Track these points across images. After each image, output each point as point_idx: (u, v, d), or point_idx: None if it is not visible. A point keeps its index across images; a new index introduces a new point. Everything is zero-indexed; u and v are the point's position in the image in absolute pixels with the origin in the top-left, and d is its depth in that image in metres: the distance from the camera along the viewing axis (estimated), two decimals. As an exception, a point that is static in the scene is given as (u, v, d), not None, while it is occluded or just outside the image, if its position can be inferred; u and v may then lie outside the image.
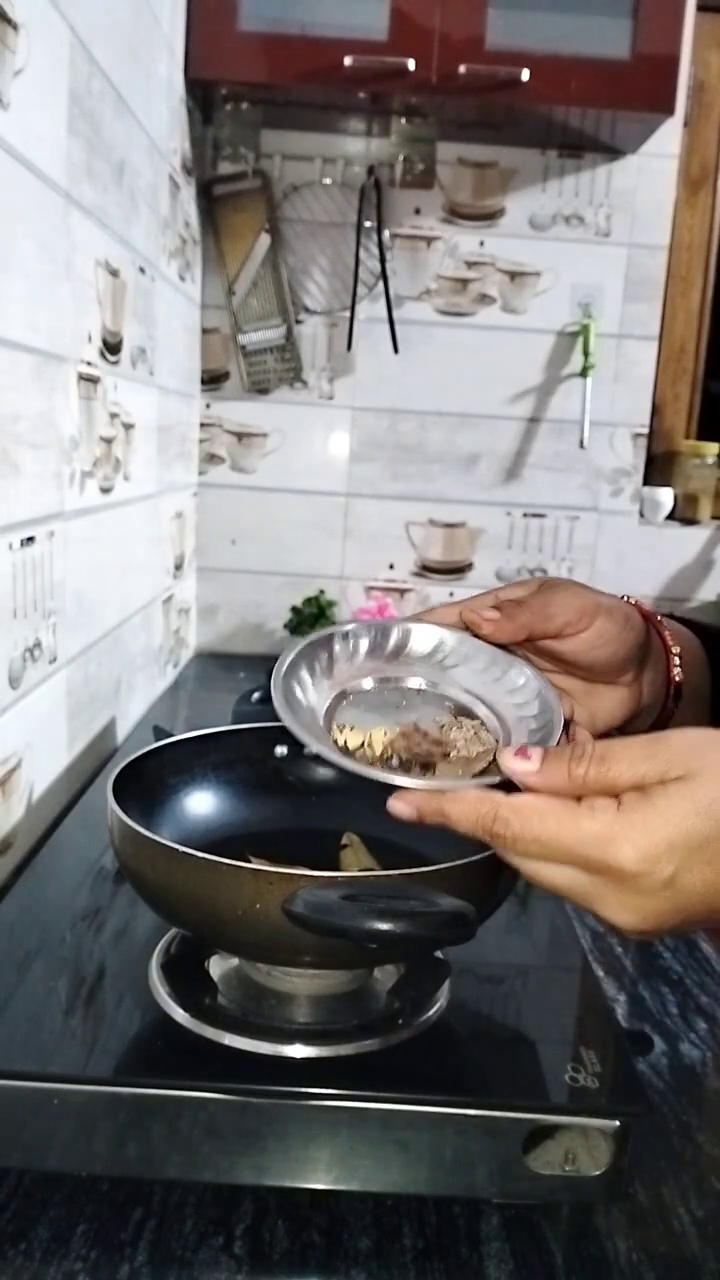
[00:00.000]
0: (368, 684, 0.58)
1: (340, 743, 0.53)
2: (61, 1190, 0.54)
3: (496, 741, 0.52)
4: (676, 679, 0.59)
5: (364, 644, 0.59)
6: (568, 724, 0.50)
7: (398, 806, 0.45)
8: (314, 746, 0.49)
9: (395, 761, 0.52)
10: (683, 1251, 0.53)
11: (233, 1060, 0.54)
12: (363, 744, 0.53)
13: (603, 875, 0.41)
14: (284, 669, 0.55)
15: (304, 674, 0.56)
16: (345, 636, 0.59)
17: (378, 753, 0.52)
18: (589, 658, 0.57)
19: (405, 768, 0.51)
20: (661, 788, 0.40)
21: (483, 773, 0.50)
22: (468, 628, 0.57)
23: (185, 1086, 0.52)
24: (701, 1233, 0.54)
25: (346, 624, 0.59)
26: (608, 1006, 0.67)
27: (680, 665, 0.59)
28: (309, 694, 0.56)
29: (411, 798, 0.45)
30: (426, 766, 0.51)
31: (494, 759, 0.48)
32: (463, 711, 0.56)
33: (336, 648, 0.59)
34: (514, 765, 0.43)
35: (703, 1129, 0.62)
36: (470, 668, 0.58)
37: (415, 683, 0.58)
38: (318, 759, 0.53)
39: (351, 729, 0.54)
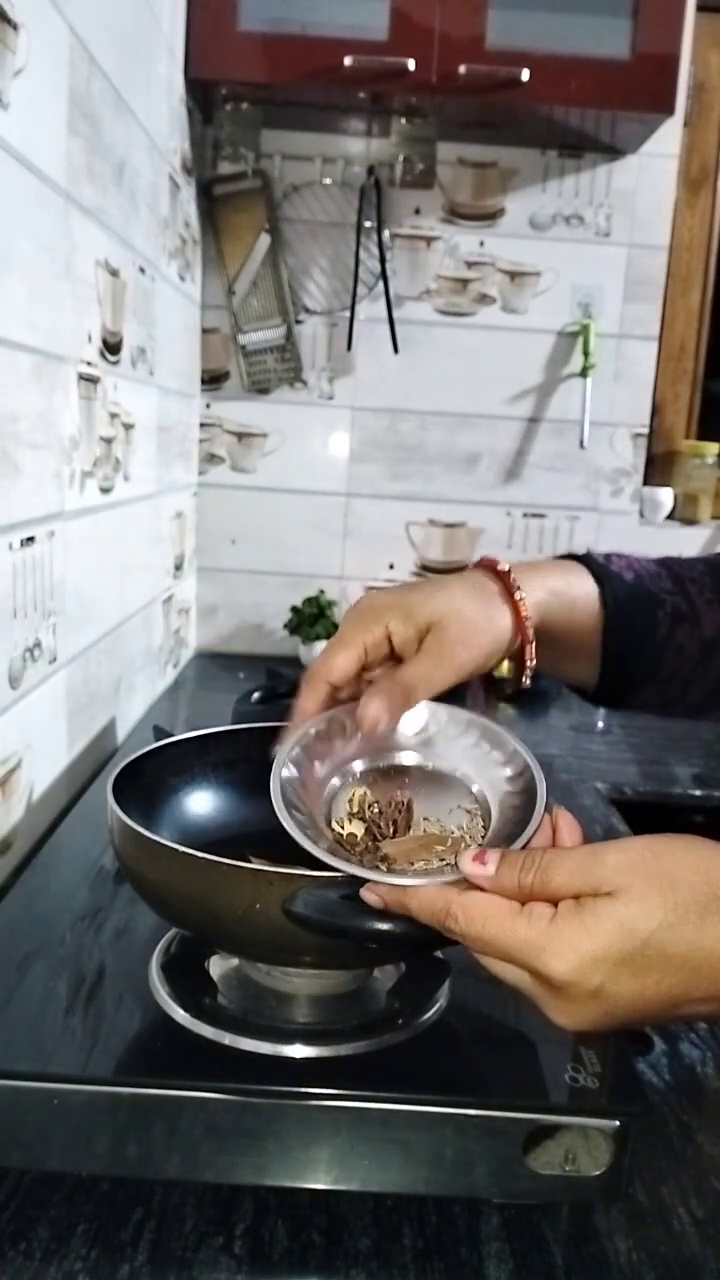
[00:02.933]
0: (359, 766, 0.58)
1: (341, 833, 0.55)
2: (61, 1190, 0.54)
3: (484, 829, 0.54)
4: (529, 665, 0.59)
5: (350, 724, 0.57)
6: (549, 806, 0.51)
7: (368, 896, 0.48)
8: (311, 849, 0.51)
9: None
10: (683, 1251, 0.53)
11: (233, 1060, 0.54)
12: (360, 836, 0.55)
13: (537, 979, 0.43)
14: (281, 767, 0.55)
15: (300, 760, 0.56)
16: (333, 720, 0.58)
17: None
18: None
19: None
20: (593, 902, 0.42)
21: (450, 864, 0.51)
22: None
23: (185, 1086, 0.52)
24: (701, 1233, 0.54)
25: (334, 710, 0.58)
26: (608, 1006, 0.67)
27: (533, 657, 0.58)
28: (309, 780, 0.56)
29: (379, 889, 0.48)
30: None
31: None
32: (455, 784, 0.57)
33: (328, 728, 0.58)
34: (470, 869, 0.46)
35: (703, 1129, 0.62)
36: (460, 744, 0.58)
37: (410, 759, 0.58)
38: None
39: (349, 821, 0.56)
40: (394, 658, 0.57)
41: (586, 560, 0.62)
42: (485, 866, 0.45)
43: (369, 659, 0.57)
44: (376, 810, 0.57)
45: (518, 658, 0.59)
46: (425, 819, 0.57)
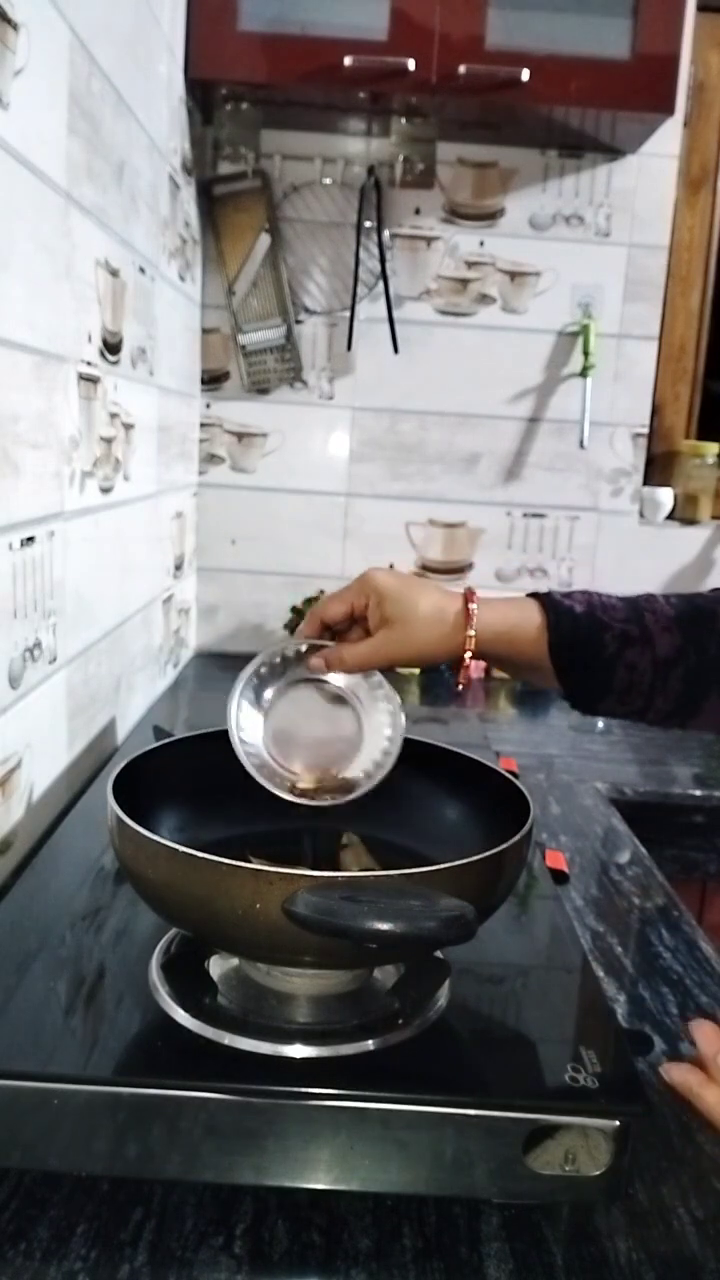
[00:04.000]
0: (294, 678, 0.75)
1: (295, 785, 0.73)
2: (61, 1190, 0.54)
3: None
4: (465, 677, 0.73)
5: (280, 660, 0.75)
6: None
7: None
8: (276, 791, 0.71)
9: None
10: (683, 1251, 0.53)
11: (233, 1060, 0.54)
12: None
13: None
14: (235, 724, 0.73)
15: (246, 708, 0.74)
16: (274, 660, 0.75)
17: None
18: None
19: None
20: None
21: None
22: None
23: (185, 1086, 0.52)
24: (701, 1233, 0.54)
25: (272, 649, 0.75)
26: (608, 1006, 0.67)
27: (468, 675, 0.73)
28: (254, 729, 0.74)
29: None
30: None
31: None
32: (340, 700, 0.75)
33: (264, 672, 0.75)
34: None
35: (703, 1129, 0.62)
36: (371, 692, 0.76)
37: (329, 682, 0.75)
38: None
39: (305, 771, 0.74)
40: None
41: (544, 597, 0.74)
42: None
43: (355, 613, 0.73)
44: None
45: (454, 668, 0.77)
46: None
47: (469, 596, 0.73)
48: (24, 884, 0.77)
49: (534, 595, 0.75)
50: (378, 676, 0.75)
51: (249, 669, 0.74)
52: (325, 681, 0.75)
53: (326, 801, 0.72)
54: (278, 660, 0.75)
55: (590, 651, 0.71)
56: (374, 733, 0.75)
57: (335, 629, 0.74)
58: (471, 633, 0.71)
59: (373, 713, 0.75)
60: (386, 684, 0.75)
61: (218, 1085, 0.52)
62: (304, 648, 0.74)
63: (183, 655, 1.72)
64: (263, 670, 0.74)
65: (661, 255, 1.73)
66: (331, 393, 1.75)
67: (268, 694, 0.74)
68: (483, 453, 1.78)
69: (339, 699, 0.75)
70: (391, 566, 1.80)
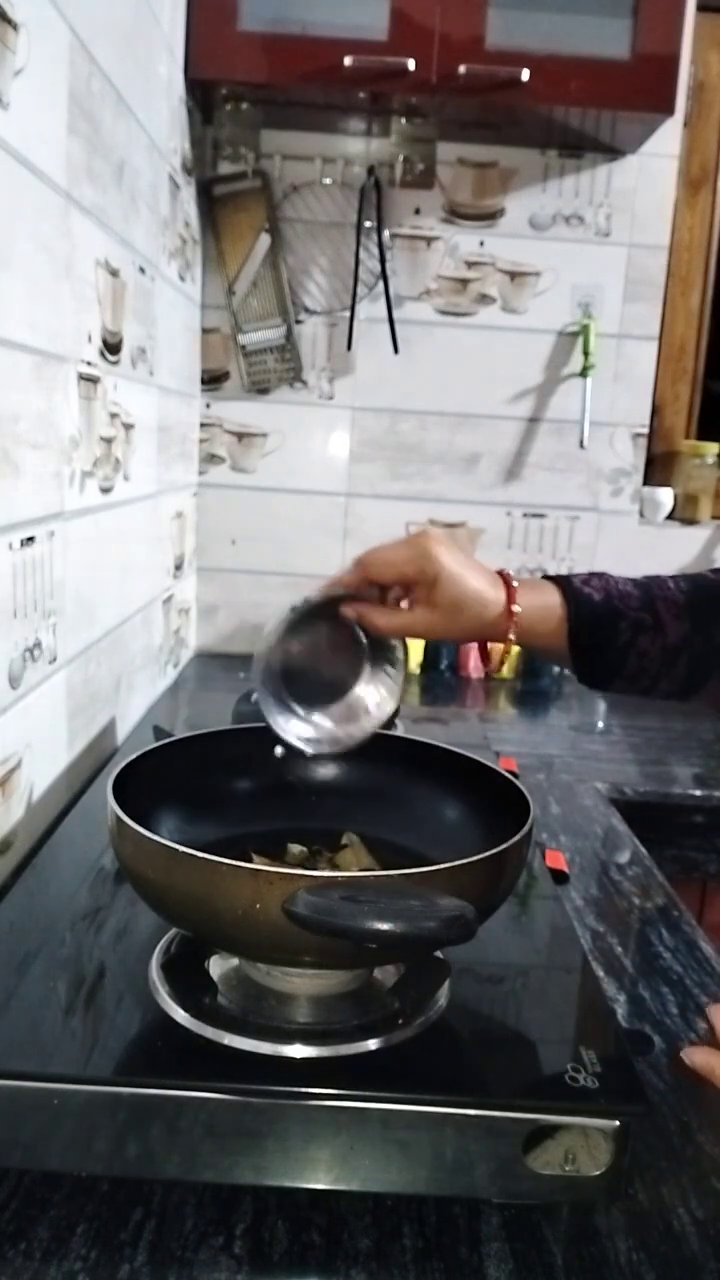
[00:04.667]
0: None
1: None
2: (61, 1190, 0.54)
3: None
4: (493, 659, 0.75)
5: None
6: None
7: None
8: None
9: None
10: (683, 1251, 0.53)
11: (233, 1060, 0.54)
12: None
13: None
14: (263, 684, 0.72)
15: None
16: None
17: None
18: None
19: None
20: None
21: None
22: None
23: (185, 1086, 0.52)
24: (701, 1233, 0.54)
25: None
26: (608, 1006, 0.67)
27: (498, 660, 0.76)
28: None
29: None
30: None
31: None
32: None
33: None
34: None
35: (703, 1129, 0.62)
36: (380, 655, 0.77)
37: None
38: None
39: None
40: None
41: (563, 584, 0.75)
42: None
43: (406, 581, 0.72)
44: None
45: (481, 652, 0.77)
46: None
47: (510, 591, 0.73)
48: (24, 884, 0.77)
49: (552, 579, 0.76)
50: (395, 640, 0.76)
51: (289, 611, 0.74)
52: (347, 627, 0.75)
53: (311, 747, 0.73)
54: (313, 603, 0.74)
55: (605, 638, 0.74)
56: (370, 690, 0.76)
57: (372, 583, 0.74)
58: (511, 632, 0.73)
59: (377, 675, 0.76)
60: (400, 648, 0.76)
61: (218, 1085, 0.52)
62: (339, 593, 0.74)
63: (183, 655, 1.72)
64: (297, 610, 0.74)
65: (661, 255, 1.73)
66: (331, 393, 1.75)
67: (292, 636, 0.75)
68: (483, 453, 1.78)
69: (351, 645, 0.75)
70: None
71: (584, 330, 1.70)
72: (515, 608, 0.72)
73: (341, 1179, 0.52)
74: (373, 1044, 0.56)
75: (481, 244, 1.72)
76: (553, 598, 0.74)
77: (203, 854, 0.53)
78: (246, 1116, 0.52)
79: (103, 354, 1.08)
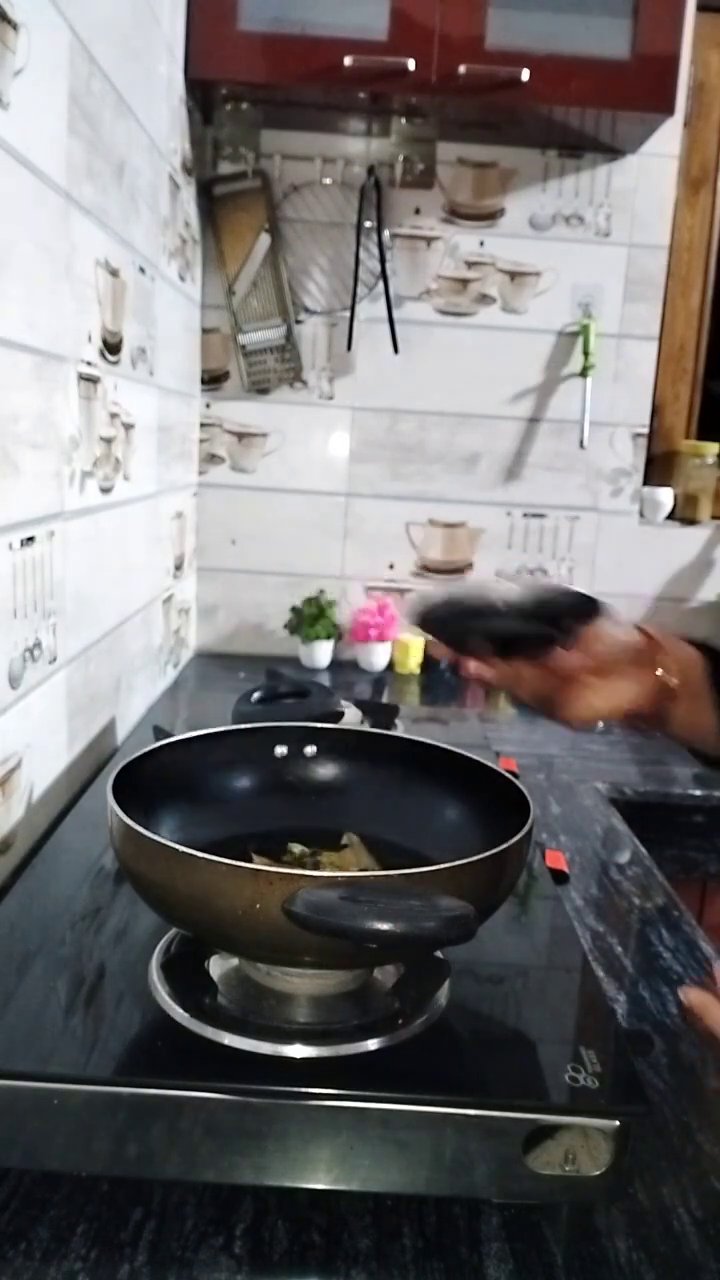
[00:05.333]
0: None
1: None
2: (61, 1190, 0.54)
3: None
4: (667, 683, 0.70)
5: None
6: None
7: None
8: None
9: None
10: (683, 1251, 0.53)
11: (233, 1060, 0.54)
12: None
13: None
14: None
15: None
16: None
17: None
18: None
19: None
20: None
21: None
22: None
23: (185, 1086, 0.52)
24: (701, 1233, 0.54)
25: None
26: (608, 1006, 0.67)
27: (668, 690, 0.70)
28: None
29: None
30: None
31: None
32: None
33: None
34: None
35: (703, 1129, 0.62)
36: None
37: None
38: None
39: None
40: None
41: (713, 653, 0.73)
42: None
43: (600, 657, 0.71)
44: None
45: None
46: None
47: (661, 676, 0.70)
48: (24, 884, 0.77)
49: (703, 647, 0.74)
50: None
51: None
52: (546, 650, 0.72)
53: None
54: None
55: None
56: None
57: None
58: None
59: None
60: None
61: (218, 1085, 0.52)
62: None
63: (183, 655, 1.72)
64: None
65: (661, 255, 1.73)
66: (331, 393, 1.75)
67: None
68: (483, 453, 1.78)
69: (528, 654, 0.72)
70: (391, 566, 1.80)
71: (584, 330, 1.70)
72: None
73: (341, 1179, 0.52)
74: (373, 1044, 0.56)
75: (481, 244, 1.72)
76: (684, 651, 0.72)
77: (203, 854, 0.53)
78: (246, 1116, 0.52)
79: (103, 354, 1.08)
